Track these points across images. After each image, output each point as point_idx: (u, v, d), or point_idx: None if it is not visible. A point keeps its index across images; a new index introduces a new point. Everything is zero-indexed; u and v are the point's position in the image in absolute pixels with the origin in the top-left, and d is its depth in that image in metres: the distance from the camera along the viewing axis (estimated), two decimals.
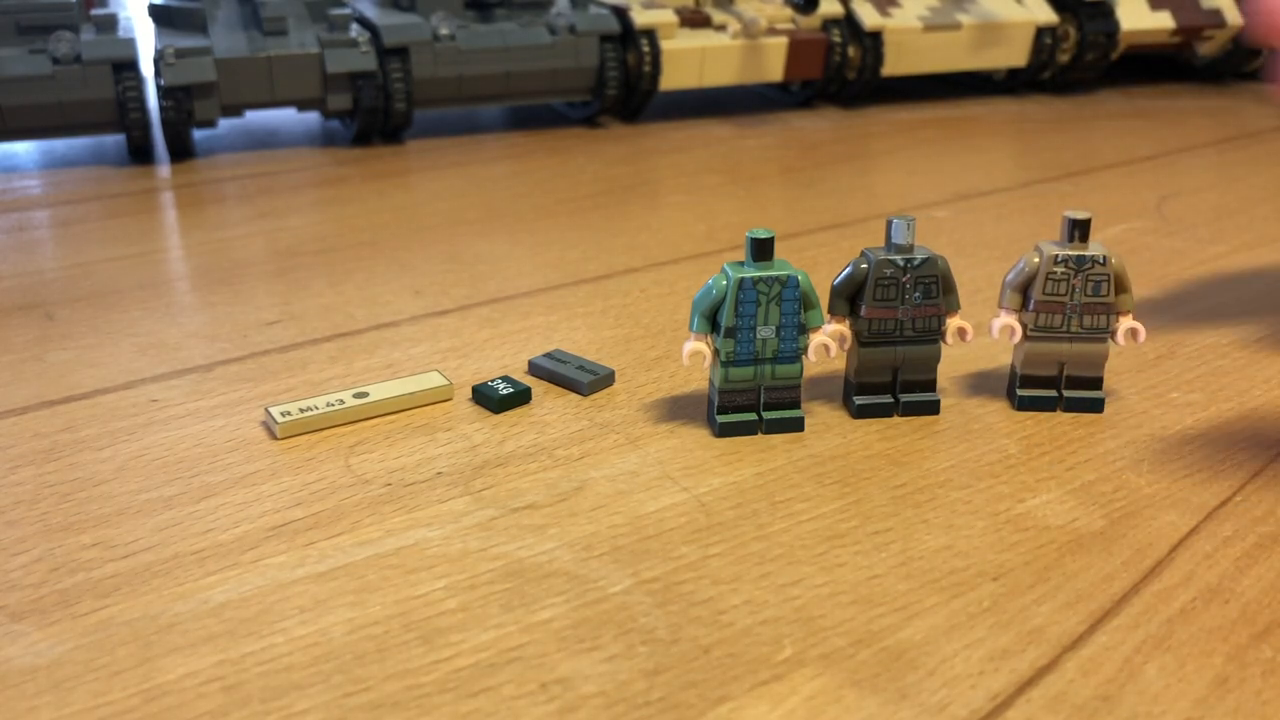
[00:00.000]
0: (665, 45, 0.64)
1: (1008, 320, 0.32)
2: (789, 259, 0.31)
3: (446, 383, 0.33)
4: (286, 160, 0.58)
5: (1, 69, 0.52)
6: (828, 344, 0.31)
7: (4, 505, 0.27)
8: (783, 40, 0.66)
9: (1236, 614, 0.24)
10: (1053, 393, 0.33)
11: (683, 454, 0.30)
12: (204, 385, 0.34)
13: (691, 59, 0.65)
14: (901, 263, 0.31)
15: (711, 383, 0.31)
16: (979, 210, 0.52)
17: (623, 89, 0.64)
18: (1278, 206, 0.53)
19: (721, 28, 0.66)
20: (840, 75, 0.70)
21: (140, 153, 0.57)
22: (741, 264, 0.30)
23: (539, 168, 0.58)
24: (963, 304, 0.33)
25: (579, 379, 0.33)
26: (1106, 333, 0.32)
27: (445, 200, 0.52)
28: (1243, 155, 0.63)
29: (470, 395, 0.33)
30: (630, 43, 0.64)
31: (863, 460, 0.30)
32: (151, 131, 0.57)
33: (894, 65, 0.70)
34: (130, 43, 0.54)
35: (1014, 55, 0.72)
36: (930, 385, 0.32)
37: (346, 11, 0.59)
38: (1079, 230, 0.31)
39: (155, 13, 0.59)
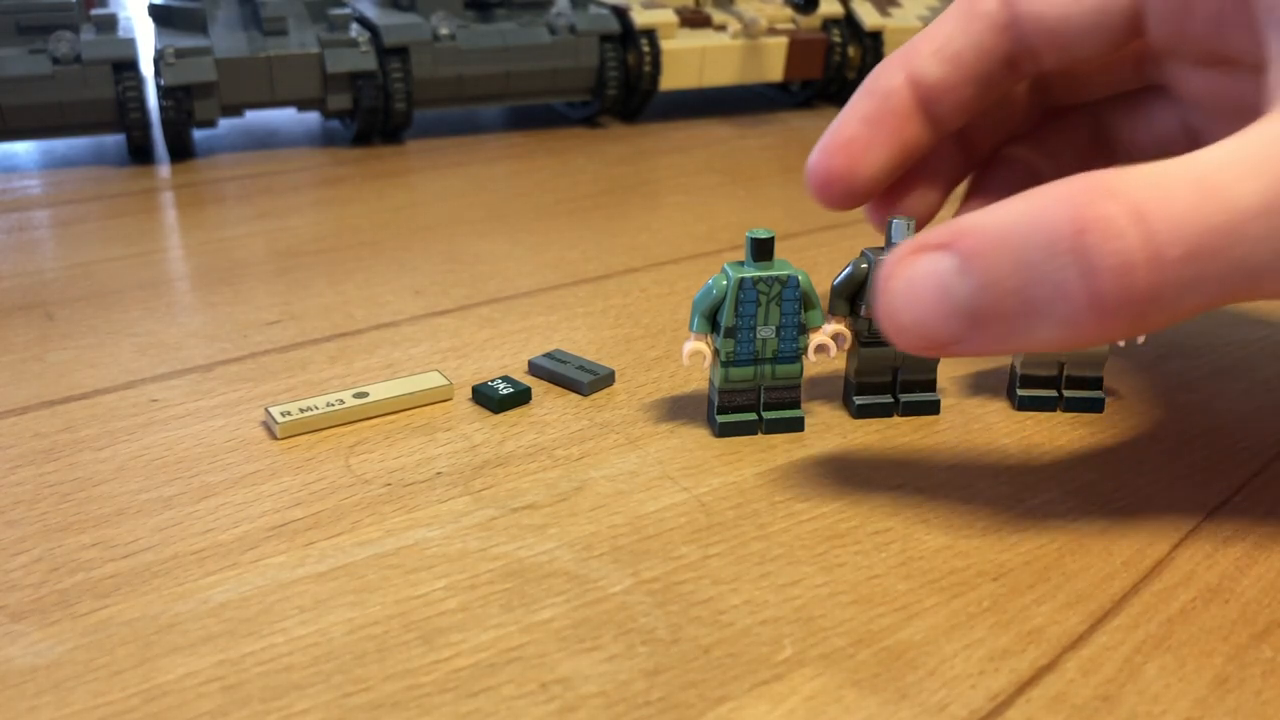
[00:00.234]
0: (665, 45, 0.64)
1: None
2: (789, 259, 0.31)
3: (446, 383, 0.33)
4: (286, 160, 0.58)
5: (1, 69, 0.52)
6: (828, 344, 0.31)
7: (4, 505, 0.27)
8: (783, 40, 0.66)
9: (1236, 614, 0.24)
10: (1053, 393, 0.33)
11: (683, 454, 0.30)
12: (204, 385, 0.34)
13: (691, 59, 0.65)
14: None
15: (711, 383, 0.31)
16: None
17: (623, 89, 0.64)
18: None
19: (721, 28, 0.66)
20: (840, 75, 0.70)
21: (140, 153, 0.58)
22: (741, 264, 0.30)
23: (539, 168, 0.58)
24: None
25: (579, 379, 0.33)
26: None
27: (445, 200, 0.52)
28: None
29: (470, 395, 0.33)
30: (630, 43, 0.64)
31: (863, 460, 0.30)
32: (151, 131, 0.57)
33: None
34: (130, 43, 0.54)
35: None
36: (930, 385, 0.32)
37: (346, 11, 0.59)
38: None
39: (155, 13, 0.59)
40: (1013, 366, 0.33)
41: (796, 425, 0.31)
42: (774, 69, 0.67)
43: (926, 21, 0.69)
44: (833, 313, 0.31)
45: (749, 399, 0.31)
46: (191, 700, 0.21)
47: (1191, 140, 0.31)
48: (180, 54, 0.55)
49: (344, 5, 0.62)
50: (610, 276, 0.43)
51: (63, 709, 0.21)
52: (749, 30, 0.65)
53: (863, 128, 0.30)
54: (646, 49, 0.63)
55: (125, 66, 0.54)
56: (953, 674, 0.22)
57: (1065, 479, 0.29)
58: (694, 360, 0.30)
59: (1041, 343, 0.24)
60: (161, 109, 0.55)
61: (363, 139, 0.61)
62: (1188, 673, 0.23)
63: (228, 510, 0.27)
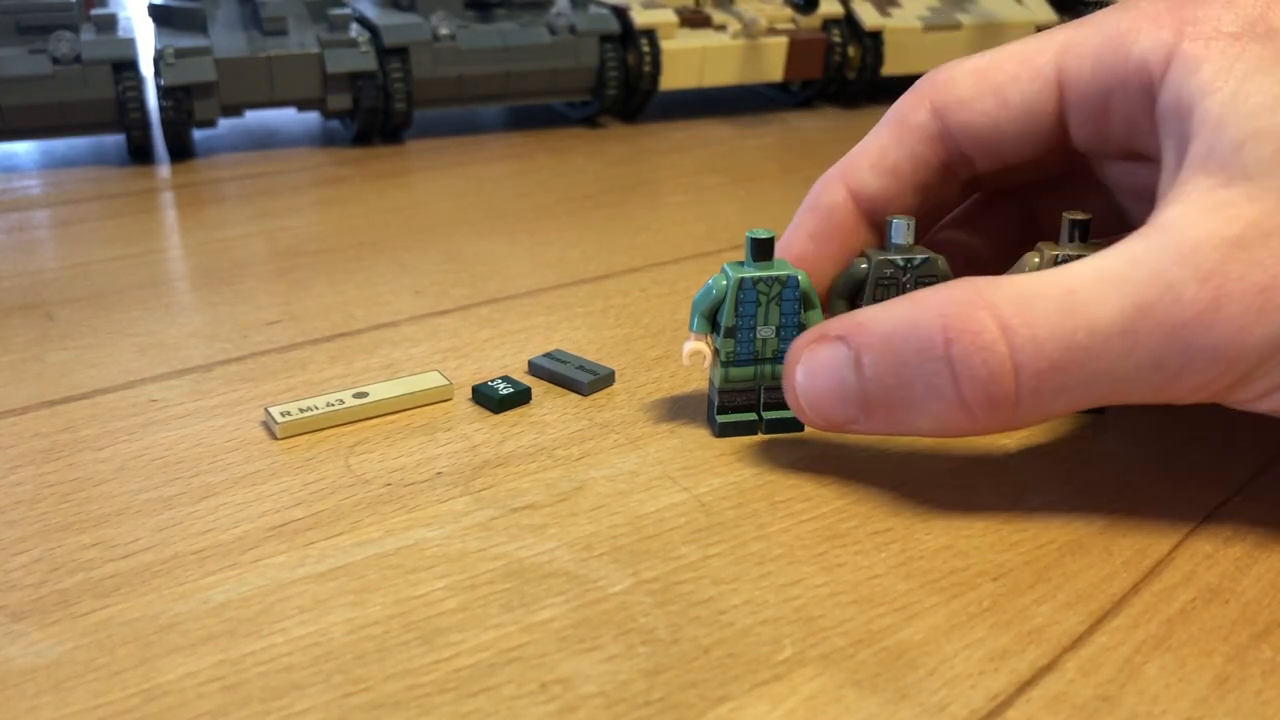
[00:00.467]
0: (665, 45, 0.64)
1: None
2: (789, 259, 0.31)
3: (446, 383, 0.33)
4: (286, 160, 0.58)
5: (1, 69, 0.52)
6: None
7: (4, 505, 0.27)
8: (783, 40, 0.66)
9: (1236, 614, 0.24)
10: None
11: (683, 454, 0.30)
12: (204, 385, 0.34)
13: (691, 59, 0.65)
14: (901, 262, 0.31)
15: (711, 383, 0.31)
16: None
17: (623, 89, 0.64)
18: None
19: (721, 28, 0.66)
20: (840, 75, 0.70)
21: (140, 153, 0.57)
22: (741, 264, 0.30)
23: (539, 168, 0.58)
24: None
25: (579, 379, 0.33)
26: None
27: (445, 200, 0.52)
28: None
29: (470, 395, 0.33)
30: (630, 43, 0.64)
31: (863, 460, 0.30)
32: (151, 131, 0.57)
33: (894, 65, 0.70)
34: (130, 43, 0.54)
35: None
36: None
37: (346, 11, 0.59)
38: (1078, 230, 0.31)
39: (155, 13, 0.59)
40: None
41: (797, 425, 0.31)
42: (774, 69, 0.67)
43: (926, 21, 0.69)
44: (832, 313, 0.31)
45: (749, 399, 0.31)
46: (191, 700, 0.21)
47: (1119, 220, 0.32)
48: (180, 54, 0.55)
49: (344, 5, 0.62)
50: (610, 276, 0.43)
51: (63, 709, 0.21)
52: (749, 30, 0.65)
53: (811, 244, 0.32)
54: (646, 49, 0.63)
55: (125, 66, 0.54)
56: (953, 674, 0.22)
57: (1065, 479, 0.29)
58: (694, 360, 0.30)
59: (925, 432, 0.27)
60: (161, 109, 0.55)
61: (363, 139, 0.61)
62: (1188, 673, 0.23)
63: (228, 510, 0.27)
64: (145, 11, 0.60)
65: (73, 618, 0.23)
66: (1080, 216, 0.31)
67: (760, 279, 0.30)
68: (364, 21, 0.61)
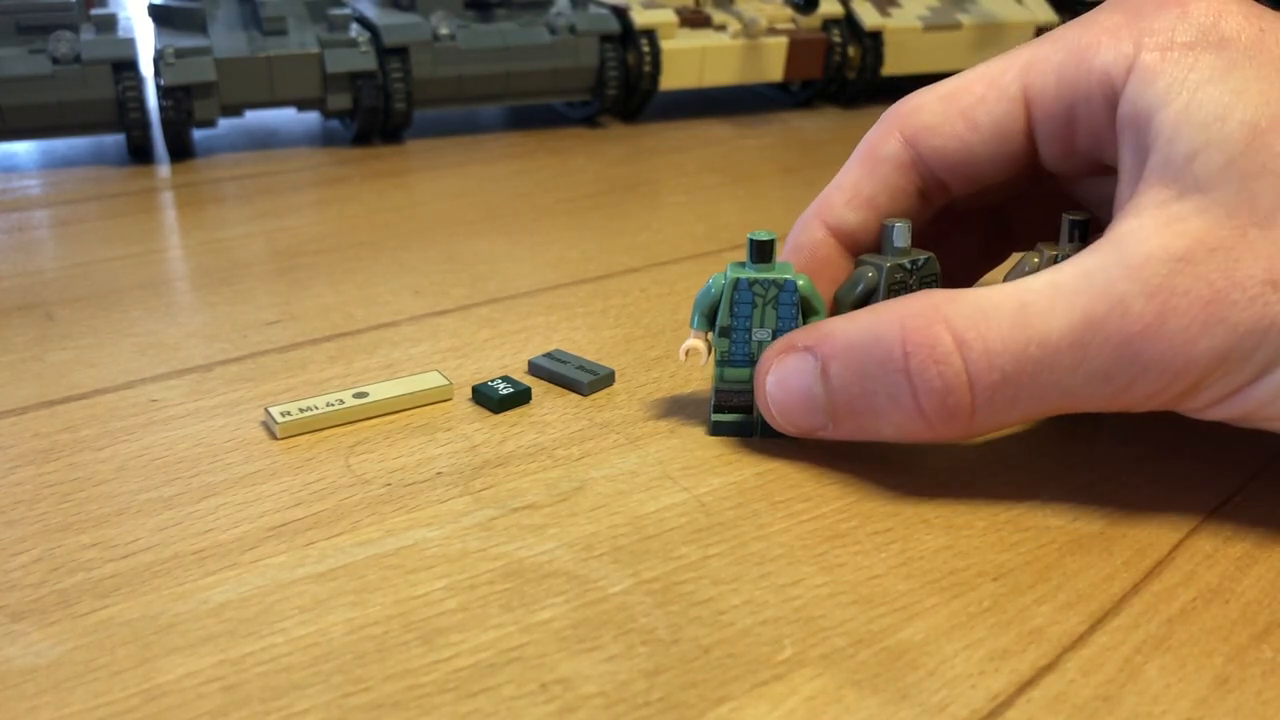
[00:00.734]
0: (665, 45, 0.64)
1: None
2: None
3: (446, 383, 0.33)
4: (286, 160, 0.58)
5: (1, 69, 0.52)
6: None
7: (4, 505, 0.27)
8: (783, 40, 0.66)
9: (1237, 614, 0.24)
10: None
11: (683, 454, 0.30)
12: (204, 385, 0.34)
13: (691, 59, 0.65)
14: (909, 265, 0.31)
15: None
16: None
17: (623, 89, 0.64)
18: None
19: (721, 28, 0.66)
20: (840, 75, 0.70)
21: (140, 153, 0.57)
22: (743, 264, 0.30)
23: (539, 168, 0.58)
24: None
25: (579, 379, 0.33)
26: None
27: (445, 200, 0.52)
28: None
29: (470, 395, 0.33)
30: (630, 43, 0.64)
31: (863, 460, 0.30)
32: (151, 131, 0.57)
33: (894, 65, 0.70)
34: (130, 43, 0.54)
35: None
36: None
37: (346, 11, 0.59)
38: (1078, 230, 0.31)
39: (155, 13, 0.59)
40: None
41: None
42: (774, 69, 0.67)
43: (926, 21, 0.69)
44: None
45: (745, 400, 0.31)
46: (191, 700, 0.21)
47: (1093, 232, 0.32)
48: (180, 54, 0.55)
49: (344, 5, 0.62)
50: (610, 276, 0.43)
51: (63, 709, 0.21)
52: (749, 30, 0.65)
53: None
54: (646, 49, 0.63)
55: (125, 66, 0.54)
56: (953, 674, 0.22)
57: (1065, 479, 0.29)
58: (691, 358, 0.30)
59: (888, 438, 0.28)
60: (161, 109, 0.55)
61: (363, 139, 0.61)
62: (1188, 673, 0.23)
63: (228, 510, 0.27)
64: (145, 11, 0.60)
65: (73, 618, 0.23)
66: (1080, 216, 0.31)
67: (757, 281, 0.30)
68: (364, 21, 0.61)
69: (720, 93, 0.73)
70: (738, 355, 0.30)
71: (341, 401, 0.32)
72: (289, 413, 0.31)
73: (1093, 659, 0.23)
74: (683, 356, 0.30)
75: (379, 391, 0.32)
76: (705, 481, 0.29)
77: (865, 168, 0.31)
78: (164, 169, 0.56)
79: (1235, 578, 0.26)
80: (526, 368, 0.35)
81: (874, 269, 0.31)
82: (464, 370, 0.35)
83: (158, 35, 0.57)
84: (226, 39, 0.57)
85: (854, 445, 0.31)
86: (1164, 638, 0.24)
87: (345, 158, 0.59)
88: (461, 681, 0.22)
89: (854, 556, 0.26)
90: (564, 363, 0.34)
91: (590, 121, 0.67)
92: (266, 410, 0.31)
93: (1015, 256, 0.35)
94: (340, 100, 0.59)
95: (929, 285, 0.31)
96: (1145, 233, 0.25)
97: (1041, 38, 0.30)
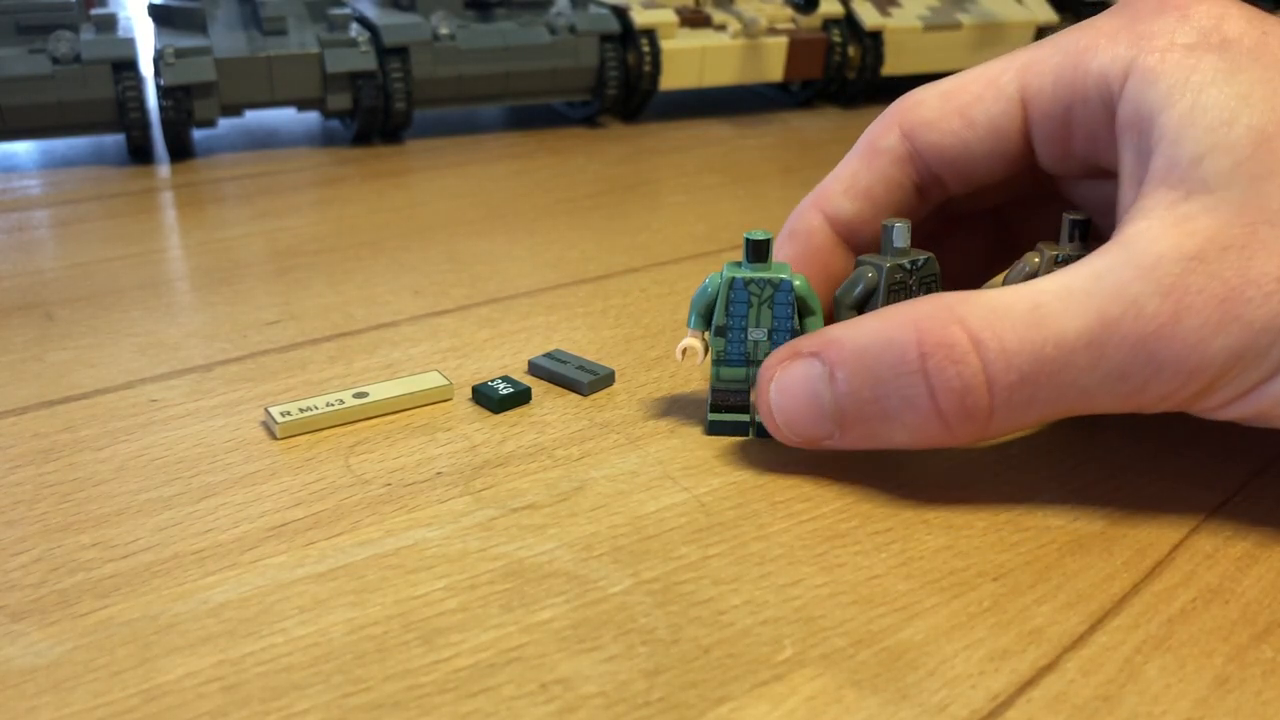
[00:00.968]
0: (665, 45, 0.64)
1: None
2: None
3: (446, 383, 0.33)
4: (286, 160, 0.58)
5: (1, 69, 0.52)
6: None
7: (3, 505, 0.27)
8: (783, 40, 0.66)
9: (1237, 614, 0.24)
10: None
11: (683, 454, 0.30)
12: (204, 385, 0.34)
13: (691, 59, 0.65)
14: (909, 265, 0.31)
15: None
16: None
17: (623, 89, 0.64)
18: None
19: (721, 28, 0.66)
20: (840, 75, 0.70)
21: (140, 153, 0.57)
22: (740, 264, 0.30)
23: (539, 168, 0.58)
24: None
25: (579, 379, 0.33)
26: None
27: (445, 200, 0.52)
28: None
29: (470, 395, 0.33)
30: (630, 43, 0.64)
31: (863, 460, 0.30)
32: (151, 131, 0.57)
33: (894, 65, 0.70)
34: (130, 43, 0.54)
35: None
36: None
37: (346, 11, 0.59)
38: (1078, 230, 0.31)
39: (155, 13, 0.59)
40: None
41: None
42: (774, 69, 0.67)
43: (926, 21, 0.69)
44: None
45: (742, 400, 0.31)
46: (191, 700, 0.21)
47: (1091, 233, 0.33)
48: (180, 54, 0.55)
49: (344, 5, 0.62)
50: (610, 276, 0.43)
51: (63, 709, 0.21)
52: (749, 30, 0.65)
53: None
54: (646, 49, 0.63)
55: (125, 66, 0.54)
56: (953, 674, 0.22)
57: (1065, 479, 0.29)
58: (688, 357, 0.30)
59: (901, 444, 0.27)
60: (161, 109, 0.55)
61: (363, 139, 0.61)
62: (1188, 673, 0.23)
63: (228, 510, 0.27)
64: (145, 11, 0.60)
65: (73, 618, 0.23)
66: (1080, 216, 0.31)
67: (752, 280, 0.30)
68: (364, 21, 0.61)
69: (720, 93, 0.73)
70: (733, 355, 0.30)
71: (341, 401, 0.32)
72: (289, 413, 0.31)
73: (1093, 659, 0.23)
74: (679, 356, 0.30)
75: (379, 391, 0.32)
76: (705, 481, 0.29)
77: (864, 159, 0.32)
78: (164, 169, 0.56)
79: (1235, 578, 0.26)
80: (526, 368, 0.35)
81: (874, 269, 0.31)
82: (464, 370, 0.35)
83: (158, 35, 0.57)
84: (226, 39, 0.57)
85: None
86: (1164, 638, 0.24)
87: (345, 158, 0.59)
88: (461, 681, 0.22)
89: (854, 556, 0.26)
90: (564, 363, 0.34)
91: (590, 121, 0.67)
92: (266, 410, 0.31)
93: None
94: (340, 100, 0.59)
95: (929, 285, 0.31)
96: (1155, 233, 0.25)
97: (1041, 41, 0.30)
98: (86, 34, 0.54)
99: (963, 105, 0.30)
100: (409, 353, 0.36)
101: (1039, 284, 0.26)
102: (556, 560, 0.26)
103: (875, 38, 0.69)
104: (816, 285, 0.32)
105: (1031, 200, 0.33)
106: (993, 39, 0.71)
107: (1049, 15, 0.72)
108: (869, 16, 0.69)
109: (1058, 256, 0.31)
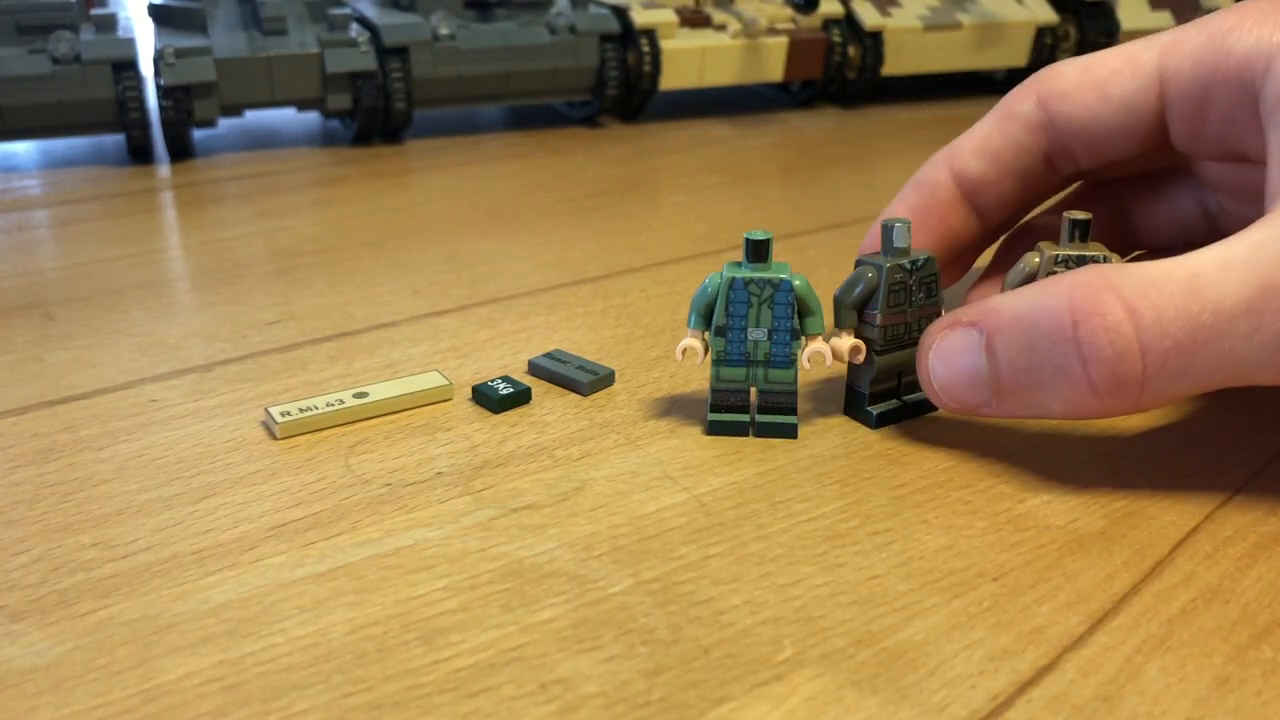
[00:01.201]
0: (665, 45, 0.64)
1: None
2: (789, 259, 0.31)
3: (446, 383, 0.33)
4: (286, 160, 0.58)
5: (1, 69, 0.52)
6: (824, 351, 0.30)
7: (3, 505, 0.27)
8: (783, 40, 0.66)
9: (1237, 614, 0.24)
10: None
11: (683, 454, 0.30)
12: (204, 385, 0.34)
13: (691, 59, 0.65)
14: (909, 266, 0.30)
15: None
16: None
17: (623, 89, 0.64)
18: None
19: (721, 28, 0.66)
20: (840, 75, 0.70)
21: (140, 153, 0.57)
22: (740, 263, 0.30)
23: (539, 168, 0.58)
24: None
25: (579, 379, 0.33)
26: None
27: (445, 200, 0.52)
28: None
29: (470, 395, 0.33)
30: (630, 43, 0.64)
31: (863, 460, 0.30)
32: (151, 131, 0.57)
33: (894, 65, 0.70)
34: (130, 43, 0.54)
35: (1014, 55, 0.72)
36: None
37: (346, 11, 0.59)
38: (1079, 230, 0.31)
39: (155, 13, 0.59)
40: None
41: (788, 432, 0.31)
42: (774, 69, 0.67)
43: (926, 21, 0.69)
44: (842, 325, 0.31)
45: (742, 400, 0.31)
46: (191, 700, 0.21)
47: (1209, 223, 0.33)
48: (180, 54, 0.55)
49: (344, 5, 0.62)
50: (610, 276, 0.43)
51: (63, 709, 0.21)
52: (749, 30, 0.65)
53: (910, 215, 0.33)
54: (646, 49, 0.63)
55: (125, 66, 0.54)
56: (953, 674, 0.22)
57: (1065, 479, 0.29)
58: (687, 357, 0.30)
59: (1055, 414, 0.28)
60: (161, 109, 0.55)
61: (363, 139, 0.61)
62: (1188, 673, 0.23)
63: (228, 510, 0.27)
64: (145, 11, 0.60)
65: (73, 618, 0.23)
66: (1080, 216, 0.31)
67: (752, 280, 0.30)
68: (364, 21, 0.61)
69: (720, 93, 0.73)
70: (733, 355, 0.30)
71: (341, 401, 0.32)
72: (289, 413, 0.31)
73: (1093, 659, 0.23)
74: (679, 356, 0.30)
75: (379, 391, 0.32)
76: (705, 481, 0.29)
77: (998, 122, 0.32)
78: (164, 169, 0.56)
79: (1235, 578, 0.26)
80: (526, 368, 0.35)
81: (874, 269, 0.31)
82: (464, 370, 0.35)
83: (158, 35, 0.57)
84: (226, 39, 0.57)
85: (853, 445, 0.31)
86: (1164, 638, 0.24)
87: (345, 158, 0.59)
88: (461, 681, 0.22)
89: (854, 556, 0.26)
90: (564, 363, 0.34)
91: (590, 121, 0.67)
92: (266, 410, 0.31)
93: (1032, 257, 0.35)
94: (340, 100, 0.59)
95: (929, 285, 0.31)
96: None
97: (1186, 24, 0.30)
98: (86, 34, 0.54)
99: (1100, 79, 0.30)
100: (409, 353, 0.36)
101: (1198, 254, 0.26)
102: (556, 560, 0.26)
103: (875, 38, 0.69)
104: (928, 238, 0.32)
105: (1155, 179, 0.33)
106: (993, 39, 0.71)
107: (1049, 15, 0.72)
108: (869, 16, 0.69)
109: (1058, 257, 0.31)
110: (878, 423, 0.32)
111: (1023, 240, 0.35)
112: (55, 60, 0.53)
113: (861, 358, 0.31)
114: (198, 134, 0.61)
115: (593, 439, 0.31)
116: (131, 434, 0.31)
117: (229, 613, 0.24)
